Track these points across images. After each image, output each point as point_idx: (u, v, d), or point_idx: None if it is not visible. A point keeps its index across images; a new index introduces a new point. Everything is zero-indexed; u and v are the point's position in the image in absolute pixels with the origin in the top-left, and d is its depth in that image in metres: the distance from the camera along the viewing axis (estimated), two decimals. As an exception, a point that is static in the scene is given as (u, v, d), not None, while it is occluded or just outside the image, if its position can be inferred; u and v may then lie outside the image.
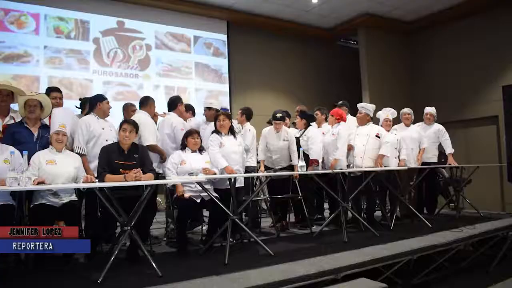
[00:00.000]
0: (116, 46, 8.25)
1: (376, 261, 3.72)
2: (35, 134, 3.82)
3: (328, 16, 9.81)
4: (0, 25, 7.18)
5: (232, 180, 3.98)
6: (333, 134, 5.23)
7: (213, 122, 4.66)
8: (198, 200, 4.16)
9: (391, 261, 3.88)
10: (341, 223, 4.64)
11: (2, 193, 3.31)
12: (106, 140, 4.14)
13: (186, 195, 4.10)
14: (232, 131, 4.63)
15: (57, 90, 4.65)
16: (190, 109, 5.70)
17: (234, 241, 4.43)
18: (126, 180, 3.49)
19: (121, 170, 3.69)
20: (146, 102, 4.85)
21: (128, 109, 5.25)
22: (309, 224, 5.14)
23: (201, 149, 4.44)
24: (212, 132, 4.59)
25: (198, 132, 4.46)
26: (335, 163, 5.10)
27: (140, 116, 4.57)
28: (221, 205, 3.92)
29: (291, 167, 5.18)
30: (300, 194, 5.22)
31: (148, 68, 8.54)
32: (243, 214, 5.14)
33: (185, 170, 4.21)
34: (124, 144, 3.85)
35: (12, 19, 7.27)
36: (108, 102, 4.37)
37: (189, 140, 4.37)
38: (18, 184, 2.84)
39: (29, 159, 3.44)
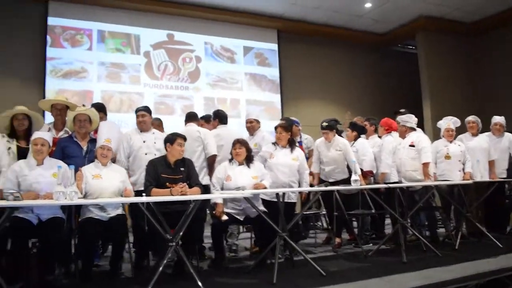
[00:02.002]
0: (167, 59, 8.36)
1: (437, 286, 3.37)
2: (84, 148, 3.85)
3: (382, 21, 9.44)
4: (58, 42, 7.51)
5: (281, 194, 3.80)
6: (379, 146, 5.03)
7: (257, 135, 4.67)
8: (242, 218, 4.03)
9: (455, 286, 3.50)
10: (400, 241, 4.29)
11: (51, 206, 3.34)
12: (145, 154, 4.12)
13: (224, 217, 3.94)
14: (292, 144, 4.51)
15: (102, 109, 4.59)
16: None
17: (284, 258, 4.22)
18: (172, 195, 3.43)
19: (167, 184, 3.63)
20: (197, 118, 5.03)
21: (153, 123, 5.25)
22: (359, 243, 4.83)
23: (249, 161, 4.24)
24: None
25: (241, 142, 4.24)
26: (382, 177, 4.92)
27: (203, 129, 4.73)
28: (270, 222, 3.73)
29: (347, 180, 4.66)
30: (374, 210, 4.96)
31: (198, 80, 8.58)
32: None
33: (230, 187, 4.03)
34: (172, 158, 3.79)
35: (67, 36, 7.59)
36: (139, 116, 4.27)
37: (233, 151, 4.21)
38: (65, 198, 2.83)
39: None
